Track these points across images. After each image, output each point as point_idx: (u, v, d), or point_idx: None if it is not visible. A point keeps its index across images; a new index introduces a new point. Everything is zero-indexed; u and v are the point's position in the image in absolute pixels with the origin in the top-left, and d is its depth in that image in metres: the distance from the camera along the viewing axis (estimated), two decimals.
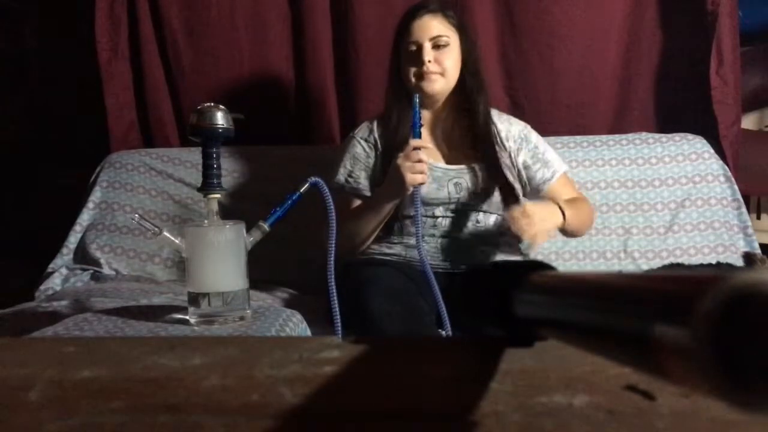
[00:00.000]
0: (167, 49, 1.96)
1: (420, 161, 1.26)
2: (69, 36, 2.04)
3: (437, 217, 1.44)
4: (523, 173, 1.51)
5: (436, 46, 1.42)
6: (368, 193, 1.46)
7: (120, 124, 1.96)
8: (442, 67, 1.42)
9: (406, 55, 1.45)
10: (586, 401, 0.32)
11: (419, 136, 1.30)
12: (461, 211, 1.45)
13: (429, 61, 1.41)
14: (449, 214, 1.45)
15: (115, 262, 1.73)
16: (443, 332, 1.18)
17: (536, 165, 1.51)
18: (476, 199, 1.44)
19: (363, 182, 1.47)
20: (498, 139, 1.49)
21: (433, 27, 1.43)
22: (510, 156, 1.50)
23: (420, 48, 1.42)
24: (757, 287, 0.17)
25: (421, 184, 1.28)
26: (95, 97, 1.92)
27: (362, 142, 1.51)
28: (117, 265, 1.73)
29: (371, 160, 1.48)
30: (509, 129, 1.53)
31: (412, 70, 1.43)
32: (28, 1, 2.14)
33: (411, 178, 1.26)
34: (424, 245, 1.44)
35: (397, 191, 1.32)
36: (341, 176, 1.49)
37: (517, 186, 1.48)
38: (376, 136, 1.50)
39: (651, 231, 1.69)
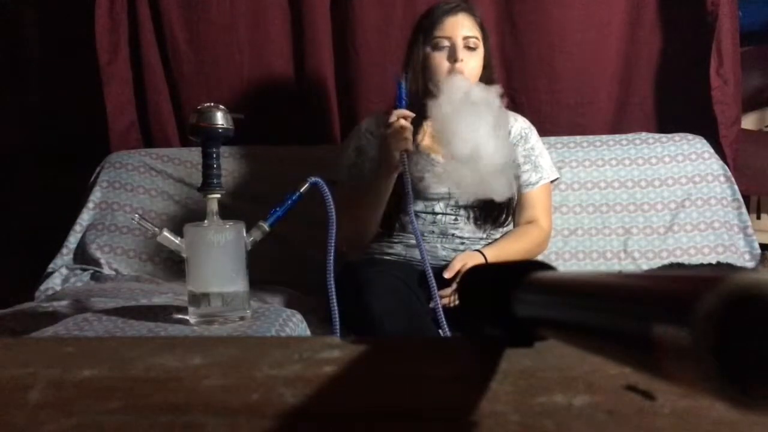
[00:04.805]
0: (167, 49, 1.96)
1: (403, 128, 1.27)
2: (69, 36, 2.04)
3: (437, 213, 1.44)
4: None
5: (467, 47, 1.40)
6: None
7: (120, 124, 1.96)
8: (469, 70, 1.40)
9: (436, 49, 1.41)
10: (586, 401, 0.32)
11: (403, 107, 1.31)
12: (461, 208, 1.45)
13: (461, 60, 1.38)
14: (449, 210, 1.45)
15: (115, 262, 1.73)
16: (441, 333, 1.18)
17: (526, 166, 1.51)
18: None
19: (367, 175, 1.46)
20: None
21: (467, 26, 1.41)
22: None
23: (453, 45, 1.40)
24: (757, 287, 0.17)
25: (407, 150, 1.28)
26: (95, 97, 1.92)
27: (368, 135, 1.51)
28: (117, 265, 1.73)
29: (375, 153, 1.47)
30: (512, 125, 1.53)
31: (446, 65, 1.40)
32: (28, 2, 2.14)
33: (395, 143, 1.27)
34: (424, 245, 1.44)
35: (386, 161, 1.31)
36: (346, 168, 1.49)
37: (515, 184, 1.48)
38: (383, 129, 1.50)
39: (651, 231, 1.69)
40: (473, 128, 1.25)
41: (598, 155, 1.77)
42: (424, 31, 1.45)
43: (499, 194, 1.32)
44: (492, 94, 1.30)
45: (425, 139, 1.45)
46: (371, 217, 1.41)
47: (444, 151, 1.35)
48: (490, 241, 1.48)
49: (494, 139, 1.26)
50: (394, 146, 1.28)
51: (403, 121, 1.28)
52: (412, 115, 1.31)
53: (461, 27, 1.41)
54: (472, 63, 1.41)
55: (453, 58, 1.39)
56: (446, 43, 1.41)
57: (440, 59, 1.41)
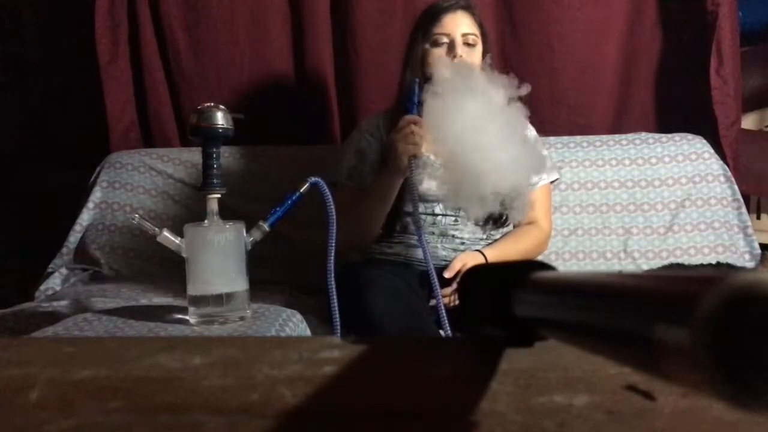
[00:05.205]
0: (167, 49, 1.97)
1: (413, 133, 1.24)
2: (69, 37, 2.04)
3: (437, 214, 1.44)
4: None
5: (466, 44, 1.41)
6: None
7: (120, 124, 1.96)
8: None
9: (435, 45, 1.42)
10: (586, 401, 0.32)
11: (415, 113, 1.27)
12: (461, 209, 1.44)
13: (460, 56, 1.39)
14: (449, 212, 1.45)
15: (115, 262, 1.73)
16: (443, 332, 1.18)
17: None
18: None
19: (367, 177, 1.46)
20: None
21: (465, 23, 1.42)
22: None
23: (452, 42, 1.40)
24: (758, 287, 0.17)
25: (415, 156, 1.24)
26: (95, 97, 1.92)
27: (368, 136, 1.51)
28: (117, 265, 1.73)
29: (376, 155, 1.47)
30: None
31: (445, 60, 1.39)
32: (28, 2, 2.14)
33: (403, 148, 1.24)
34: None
35: (393, 166, 1.29)
36: (346, 170, 1.49)
37: None
38: (383, 131, 1.49)
39: (651, 231, 1.69)
40: (464, 123, 1.18)
41: (598, 155, 1.77)
42: (423, 28, 1.45)
43: (514, 216, 1.25)
44: (497, 87, 1.25)
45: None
46: (374, 218, 1.40)
47: (431, 147, 1.30)
48: (490, 241, 1.48)
49: (494, 141, 1.20)
50: (402, 151, 1.25)
51: (414, 127, 1.25)
52: (423, 121, 1.27)
53: (460, 24, 1.42)
54: (470, 59, 1.41)
55: (452, 53, 1.40)
56: (445, 39, 1.41)
57: (439, 54, 1.41)
